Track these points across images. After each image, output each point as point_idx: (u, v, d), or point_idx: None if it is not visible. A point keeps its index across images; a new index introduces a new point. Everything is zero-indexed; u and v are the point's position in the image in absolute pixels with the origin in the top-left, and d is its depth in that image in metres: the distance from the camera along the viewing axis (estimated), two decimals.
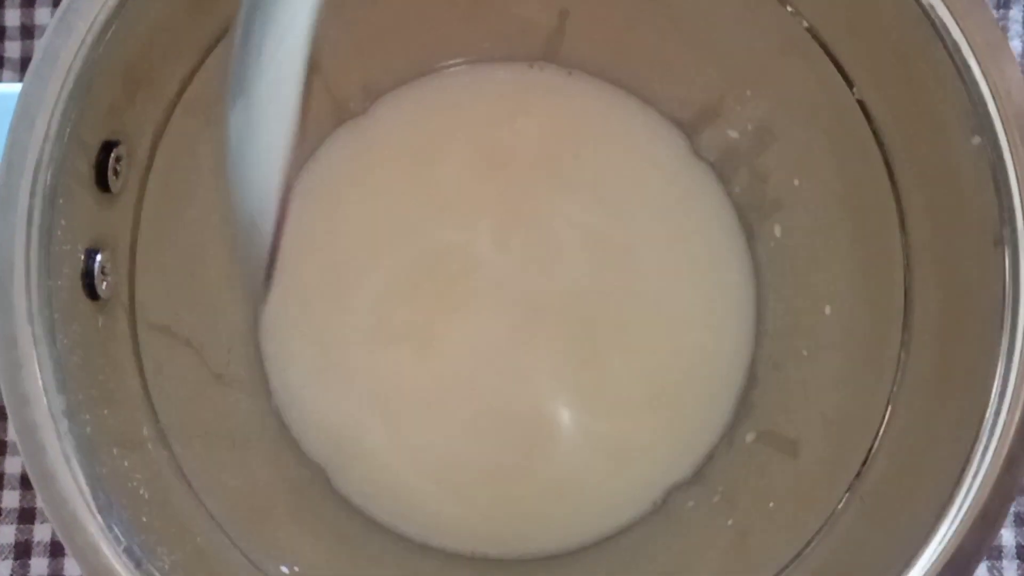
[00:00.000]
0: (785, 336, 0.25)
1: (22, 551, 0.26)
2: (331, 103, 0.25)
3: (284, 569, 0.19)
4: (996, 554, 0.28)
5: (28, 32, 0.29)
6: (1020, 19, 0.30)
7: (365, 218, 0.26)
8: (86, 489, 0.15)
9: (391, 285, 0.26)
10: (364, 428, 0.26)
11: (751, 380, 0.25)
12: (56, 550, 0.27)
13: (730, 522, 0.23)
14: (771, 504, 0.22)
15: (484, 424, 0.26)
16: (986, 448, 0.17)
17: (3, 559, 0.26)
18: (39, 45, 0.16)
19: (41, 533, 0.27)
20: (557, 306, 0.26)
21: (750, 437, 0.24)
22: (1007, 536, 0.28)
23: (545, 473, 0.26)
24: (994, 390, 0.17)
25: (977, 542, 0.16)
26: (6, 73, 0.29)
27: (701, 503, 0.24)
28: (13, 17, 0.29)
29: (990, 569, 0.28)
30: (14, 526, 0.27)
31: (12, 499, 0.27)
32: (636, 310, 0.26)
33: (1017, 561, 0.28)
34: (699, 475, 0.25)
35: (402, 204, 0.26)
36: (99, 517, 0.16)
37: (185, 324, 0.21)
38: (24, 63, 0.29)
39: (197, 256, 0.22)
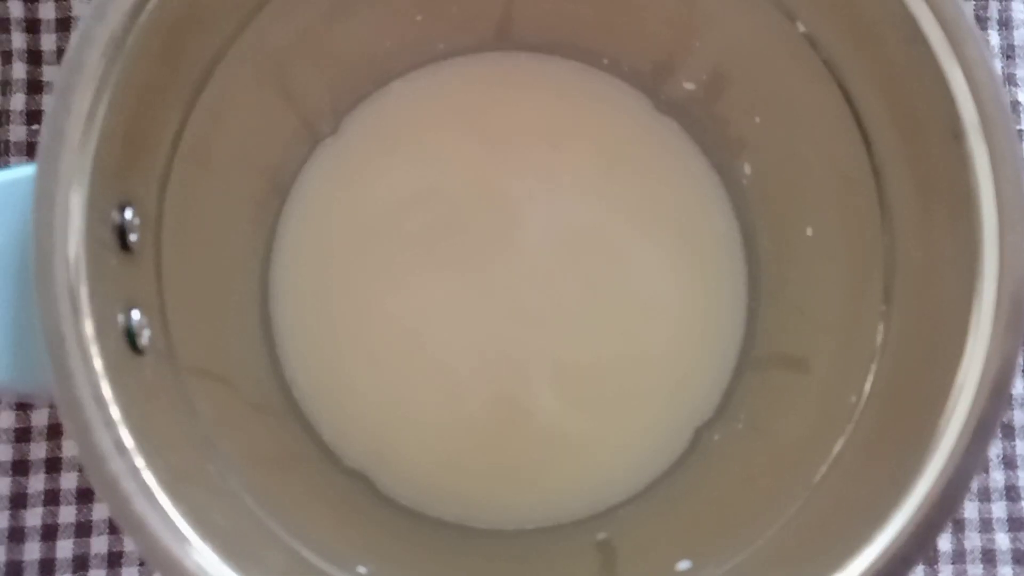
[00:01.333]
0: (774, 265, 0.26)
1: None
2: (306, 129, 0.26)
3: (361, 570, 0.20)
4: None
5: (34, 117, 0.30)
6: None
7: (355, 231, 0.28)
8: (179, 522, 0.16)
9: (395, 292, 0.28)
10: (394, 434, 0.27)
11: (751, 313, 0.27)
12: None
13: (758, 444, 0.24)
14: (793, 419, 0.23)
15: (496, 412, 0.27)
16: (978, 329, 0.18)
17: None
18: (44, 125, 0.17)
19: None
20: (549, 269, 0.27)
21: (760, 363, 0.26)
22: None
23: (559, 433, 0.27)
24: (982, 269, 0.18)
25: (994, 406, 0.18)
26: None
27: (726, 434, 0.26)
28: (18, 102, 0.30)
29: None
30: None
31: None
32: (626, 263, 0.27)
33: None
34: (719, 409, 0.27)
35: (382, 214, 0.28)
36: (191, 550, 0.17)
37: (217, 363, 0.22)
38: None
39: (214, 298, 0.23)
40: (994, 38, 0.33)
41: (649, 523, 0.25)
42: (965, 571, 0.30)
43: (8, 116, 0.31)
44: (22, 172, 0.19)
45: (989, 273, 0.18)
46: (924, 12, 0.19)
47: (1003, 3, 0.33)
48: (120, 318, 0.18)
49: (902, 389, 0.20)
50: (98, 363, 0.17)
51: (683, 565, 0.21)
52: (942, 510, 0.17)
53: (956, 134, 0.18)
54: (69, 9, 0.32)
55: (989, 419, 0.18)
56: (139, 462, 0.17)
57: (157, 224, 0.20)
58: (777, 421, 0.24)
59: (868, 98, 0.21)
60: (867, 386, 0.21)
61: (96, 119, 0.17)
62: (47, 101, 0.31)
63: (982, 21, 0.33)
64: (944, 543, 0.31)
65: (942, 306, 0.19)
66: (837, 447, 0.20)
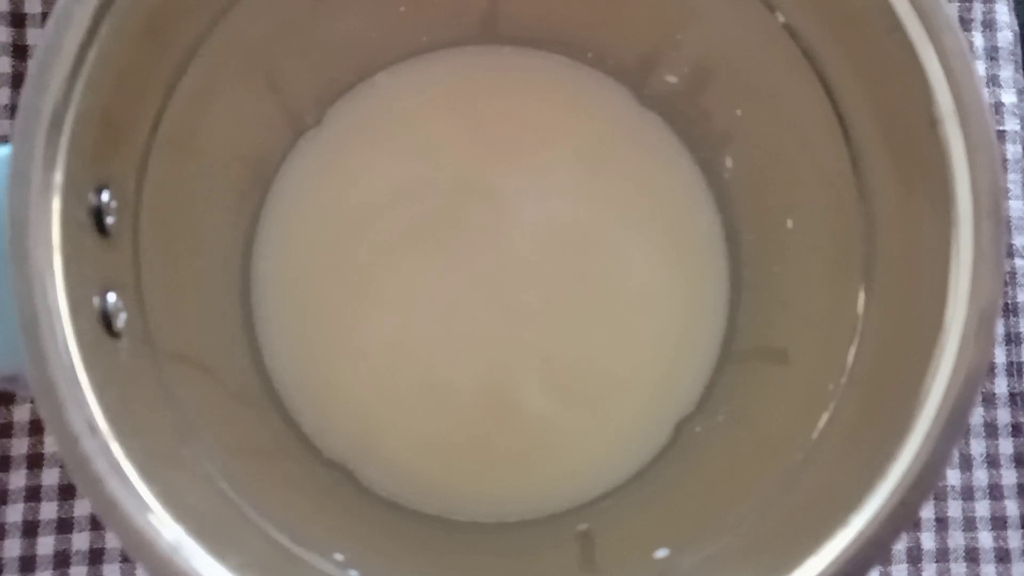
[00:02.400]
0: (756, 257, 0.26)
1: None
2: (289, 120, 0.26)
3: (338, 557, 0.20)
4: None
5: None
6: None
7: (338, 223, 0.28)
8: (151, 504, 0.16)
9: (378, 285, 0.27)
10: (376, 426, 0.27)
11: (733, 305, 0.27)
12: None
13: (738, 435, 0.24)
14: (773, 409, 0.24)
15: (480, 405, 0.27)
16: (953, 317, 0.18)
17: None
18: (20, 103, 0.17)
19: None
20: (533, 262, 0.27)
21: (741, 356, 0.26)
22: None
23: (546, 426, 0.27)
24: (958, 257, 0.18)
25: (968, 395, 0.18)
26: None
27: (708, 426, 0.26)
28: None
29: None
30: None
31: None
32: (610, 257, 0.28)
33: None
34: (701, 403, 0.27)
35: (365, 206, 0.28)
36: (165, 532, 0.17)
37: (196, 351, 0.22)
38: None
39: (193, 286, 0.23)
40: (978, 39, 0.33)
41: (630, 514, 0.25)
42: (948, 570, 0.31)
43: None
44: None
45: (964, 261, 0.18)
46: (902, 2, 0.19)
47: (987, 5, 0.33)
48: (96, 300, 0.18)
49: (879, 377, 0.20)
50: (72, 344, 0.17)
51: (660, 553, 0.21)
52: (916, 494, 0.17)
53: (933, 122, 0.18)
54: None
55: (963, 405, 0.18)
56: (112, 443, 0.17)
57: (135, 208, 0.20)
58: (757, 412, 0.24)
59: (847, 88, 0.21)
60: (845, 375, 0.21)
61: (72, 99, 0.17)
62: None
63: (966, 23, 0.33)
64: (928, 542, 0.31)
65: (919, 294, 0.19)
66: (815, 434, 0.21)
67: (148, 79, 0.20)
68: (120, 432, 0.17)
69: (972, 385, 0.18)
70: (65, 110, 0.17)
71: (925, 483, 0.17)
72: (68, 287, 0.17)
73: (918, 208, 0.19)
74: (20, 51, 0.32)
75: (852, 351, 0.21)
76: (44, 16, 0.32)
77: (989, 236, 0.18)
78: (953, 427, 0.18)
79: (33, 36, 0.32)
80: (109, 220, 0.19)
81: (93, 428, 0.17)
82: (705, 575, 0.19)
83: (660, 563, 0.21)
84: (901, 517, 0.17)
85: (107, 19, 0.18)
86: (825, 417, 0.21)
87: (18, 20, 0.32)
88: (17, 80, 0.32)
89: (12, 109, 0.32)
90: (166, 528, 0.17)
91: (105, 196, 0.19)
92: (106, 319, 0.18)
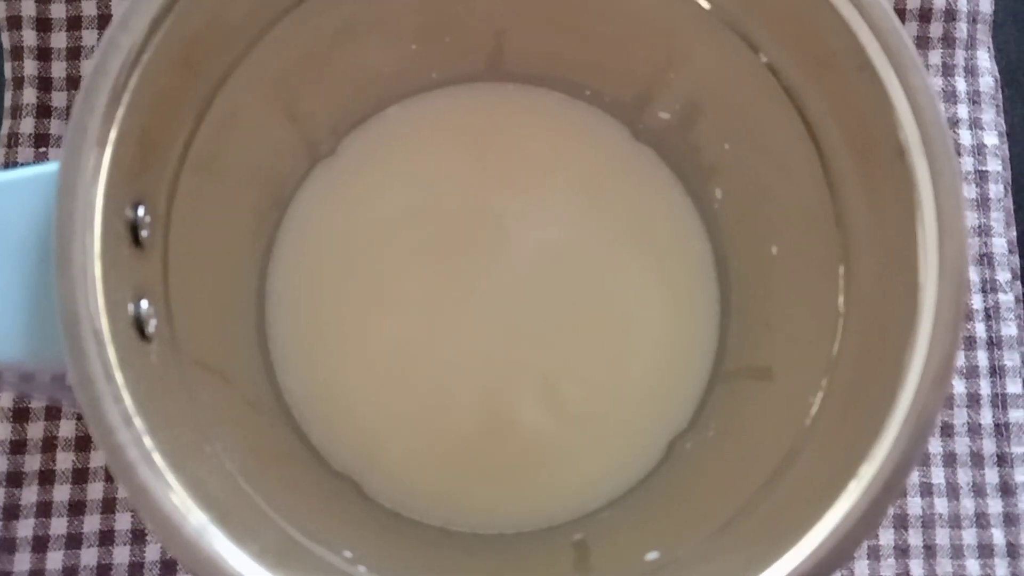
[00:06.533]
0: (743, 282, 0.28)
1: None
2: (306, 148, 0.28)
3: (347, 554, 0.21)
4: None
5: None
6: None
7: (349, 246, 0.29)
8: (179, 492, 0.18)
9: (385, 305, 0.29)
10: (380, 440, 0.28)
11: (722, 327, 0.28)
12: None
13: (726, 449, 0.26)
14: (758, 423, 0.25)
15: (480, 422, 0.29)
16: (920, 331, 0.20)
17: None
18: (70, 121, 0.19)
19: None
20: (532, 286, 0.29)
21: (729, 375, 0.27)
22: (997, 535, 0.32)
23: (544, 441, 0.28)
24: (924, 278, 0.20)
25: (934, 403, 0.19)
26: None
27: (698, 442, 0.27)
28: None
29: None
30: None
31: None
32: (606, 282, 0.29)
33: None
34: (692, 420, 0.28)
35: (375, 232, 0.29)
36: (190, 517, 0.18)
37: (215, 360, 0.24)
38: None
39: (214, 299, 0.25)
40: (961, 84, 0.35)
41: (623, 523, 0.26)
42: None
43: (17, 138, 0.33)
44: (44, 169, 0.20)
45: (930, 280, 0.20)
46: (872, 44, 0.20)
47: (969, 52, 0.35)
48: (130, 306, 0.20)
49: (855, 388, 0.21)
50: (108, 343, 0.18)
51: (651, 556, 0.22)
52: (887, 493, 0.19)
53: (900, 152, 0.20)
54: (79, 39, 0.34)
55: (929, 413, 0.19)
56: (144, 434, 0.18)
57: (166, 224, 0.22)
58: (744, 427, 0.26)
59: (824, 122, 0.23)
60: (823, 388, 0.22)
61: (115, 120, 0.19)
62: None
63: (949, 68, 0.35)
64: (916, 569, 0.32)
65: (891, 312, 0.21)
66: (796, 443, 0.22)
67: (182, 105, 0.21)
68: (151, 426, 0.19)
69: (937, 394, 0.19)
70: (108, 130, 0.19)
71: (894, 484, 0.19)
72: (106, 292, 0.19)
73: (889, 231, 0.21)
74: (45, 83, 0.33)
75: (830, 368, 0.23)
76: (68, 51, 0.34)
77: (952, 255, 0.20)
78: (920, 432, 0.19)
79: (57, 69, 0.34)
80: (143, 233, 0.20)
81: (127, 421, 0.18)
82: (693, 571, 0.21)
83: (651, 564, 0.22)
84: (875, 513, 0.19)
85: (148, 48, 0.19)
86: (806, 426, 0.22)
87: (44, 54, 0.34)
88: (42, 110, 0.33)
89: (37, 138, 0.33)
90: (191, 514, 0.18)
91: (141, 211, 0.20)
92: (139, 324, 0.20)
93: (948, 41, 0.35)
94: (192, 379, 0.22)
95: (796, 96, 0.23)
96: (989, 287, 0.34)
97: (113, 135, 0.19)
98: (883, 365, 0.20)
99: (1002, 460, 0.33)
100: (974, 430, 0.33)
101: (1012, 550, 0.32)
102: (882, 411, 0.19)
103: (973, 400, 0.33)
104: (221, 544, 0.18)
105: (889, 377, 0.20)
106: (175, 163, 0.22)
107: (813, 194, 0.23)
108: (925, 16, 0.35)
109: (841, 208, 0.23)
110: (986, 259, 0.34)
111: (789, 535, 0.19)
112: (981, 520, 0.32)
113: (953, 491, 0.32)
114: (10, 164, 0.33)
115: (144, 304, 0.20)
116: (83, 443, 0.31)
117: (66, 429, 0.31)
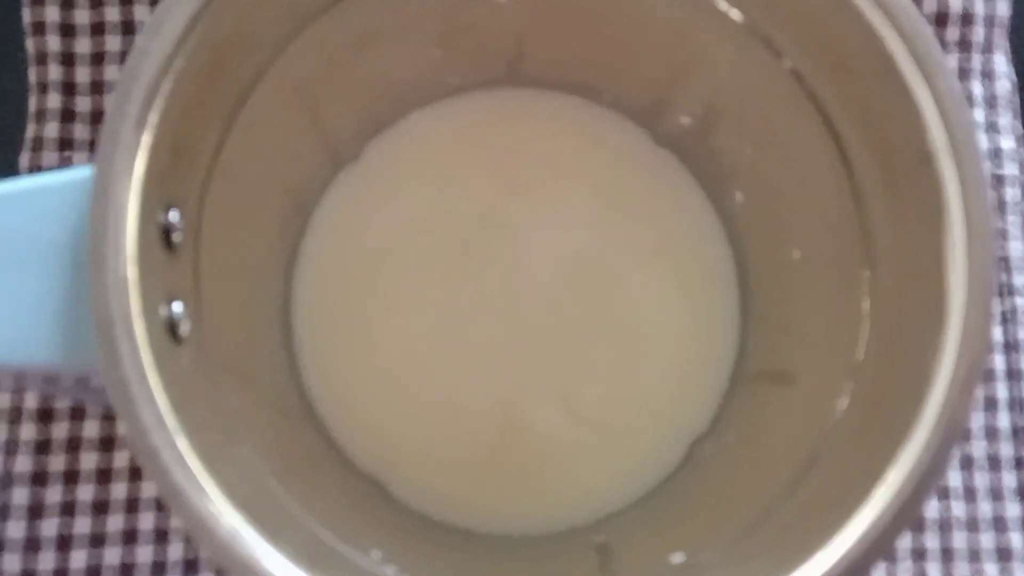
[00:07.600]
0: (764, 286, 0.28)
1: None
2: (329, 155, 0.28)
3: (375, 554, 0.22)
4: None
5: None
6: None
7: (373, 251, 0.29)
8: (212, 493, 0.18)
9: (407, 309, 0.29)
10: (402, 444, 0.28)
11: (743, 332, 0.29)
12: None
13: (747, 453, 0.26)
14: (779, 428, 0.25)
15: (502, 426, 0.29)
16: (947, 337, 0.20)
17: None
18: (103, 127, 0.19)
19: None
20: (553, 291, 0.29)
21: (749, 379, 0.28)
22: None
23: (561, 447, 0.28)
24: (948, 286, 0.20)
25: (964, 407, 0.19)
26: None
27: (718, 446, 0.27)
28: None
29: None
30: None
31: None
32: (627, 288, 0.29)
33: None
34: (712, 424, 0.28)
35: (398, 236, 0.29)
36: (224, 519, 0.18)
37: (242, 363, 0.24)
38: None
39: (241, 304, 0.25)
40: (977, 88, 0.35)
41: (645, 526, 0.26)
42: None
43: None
44: (72, 175, 0.20)
45: (958, 285, 0.20)
46: (899, 48, 0.21)
47: (985, 55, 0.35)
48: (163, 309, 0.20)
49: (881, 392, 0.21)
50: (143, 345, 0.18)
51: (676, 558, 0.22)
52: (916, 496, 0.19)
53: (926, 158, 0.20)
54: (103, 44, 0.34)
55: (959, 417, 0.19)
56: (177, 436, 0.18)
57: (197, 228, 0.22)
58: (764, 431, 0.26)
59: (848, 127, 0.23)
60: (848, 393, 0.22)
61: (148, 125, 0.19)
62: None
63: (965, 73, 0.35)
64: (933, 572, 0.32)
65: (918, 317, 0.21)
66: (818, 447, 0.22)
67: (212, 110, 0.22)
68: (183, 428, 0.19)
69: (967, 396, 0.19)
70: (140, 135, 0.19)
71: (924, 486, 0.19)
72: (141, 295, 0.19)
73: (914, 236, 0.21)
74: (69, 88, 0.34)
75: (854, 373, 0.23)
76: (92, 56, 0.34)
77: (979, 263, 0.20)
78: (949, 436, 0.19)
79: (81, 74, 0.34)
80: (175, 237, 0.21)
81: (160, 423, 0.18)
82: (721, 573, 0.21)
83: (676, 568, 0.22)
84: (901, 519, 0.19)
85: (180, 54, 0.20)
86: (828, 430, 0.22)
87: (68, 59, 0.34)
88: (67, 115, 0.34)
89: (61, 142, 0.34)
90: (225, 515, 0.18)
91: (173, 215, 0.20)
92: (171, 327, 0.20)
93: (965, 45, 0.35)
94: (220, 382, 0.22)
95: (820, 101, 0.23)
96: (1006, 291, 0.34)
97: (146, 140, 0.19)
98: (911, 369, 0.20)
99: (1019, 464, 0.33)
100: (991, 434, 0.33)
101: None
102: (910, 415, 0.19)
103: (990, 404, 0.33)
104: (257, 546, 0.18)
105: (917, 381, 0.20)
106: (206, 168, 0.22)
107: (836, 198, 0.23)
108: (941, 20, 0.35)
109: (865, 212, 0.23)
110: (1003, 263, 0.34)
111: (816, 539, 0.19)
112: (999, 524, 0.32)
113: (970, 495, 0.32)
114: (35, 168, 0.33)
115: (177, 307, 0.20)
116: (107, 443, 0.31)
117: (90, 429, 0.31)
